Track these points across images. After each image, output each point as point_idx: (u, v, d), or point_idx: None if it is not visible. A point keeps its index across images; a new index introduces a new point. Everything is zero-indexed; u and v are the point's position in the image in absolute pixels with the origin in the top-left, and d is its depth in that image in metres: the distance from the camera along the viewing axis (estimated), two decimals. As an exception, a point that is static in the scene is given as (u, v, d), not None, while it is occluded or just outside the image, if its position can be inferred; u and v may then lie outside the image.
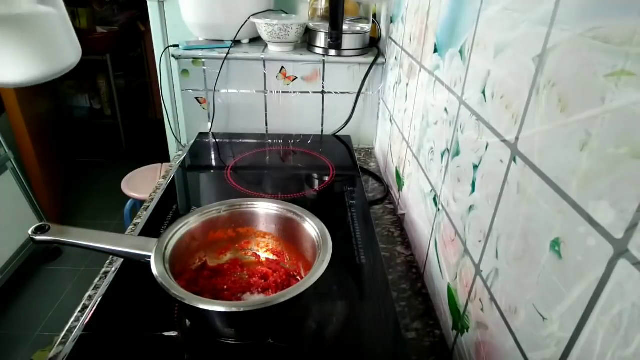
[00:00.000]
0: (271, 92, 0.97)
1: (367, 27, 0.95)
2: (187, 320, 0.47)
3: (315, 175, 0.83)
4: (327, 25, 0.90)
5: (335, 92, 0.97)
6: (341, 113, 0.99)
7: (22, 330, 1.51)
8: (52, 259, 1.87)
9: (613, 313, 0.24)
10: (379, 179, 0.89)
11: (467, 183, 0.46)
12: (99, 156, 2.70)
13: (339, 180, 0.79)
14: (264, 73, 0.94)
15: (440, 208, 0.55)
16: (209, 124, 1.00)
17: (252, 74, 0.94)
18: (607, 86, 0.25)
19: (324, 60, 0.93)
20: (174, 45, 0.96)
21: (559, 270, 0.29)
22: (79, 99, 2.67)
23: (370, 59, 0.93)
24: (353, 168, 0.84)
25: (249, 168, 0.84)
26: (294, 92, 0.97)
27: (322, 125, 1.01)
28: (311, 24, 0.95)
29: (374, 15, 0.98)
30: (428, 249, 0.60)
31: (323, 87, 0.96)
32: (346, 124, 0.99)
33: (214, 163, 0.88)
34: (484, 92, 0.42)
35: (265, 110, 0.99)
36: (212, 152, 0.93)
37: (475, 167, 0.44)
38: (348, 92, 0.97)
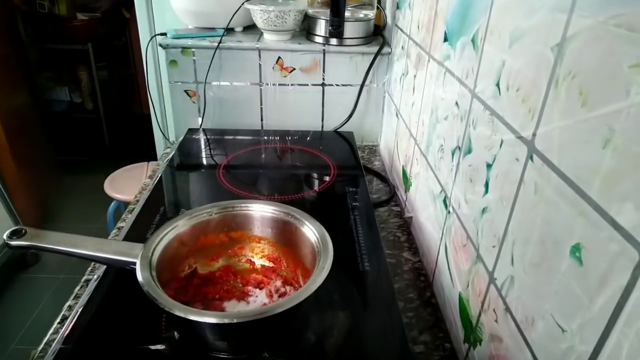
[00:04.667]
0: (267, 84, 0.97)
1: (371, 13, 0.95)
2: (175, 333, 0.47)
3: (315, 175, 0.83)
4: (327, 11, 0.90)
5: (337, 85, 0.97)
6: (343, 107, 0.99)
7: (-4, 343, 1.51)
8: (29, 265, 1.87)
9: (639, 325, 0.24)
10: (384, 178, 0.89)
11: (480, 183, 0.46)
12: (80, 154, 2.70)
13: (340, 180, 0.79)
14: (259, 64, 0.94)
15: (451, 210, 0.55)
16: (199, 119, 1.00)
17: (246, 64, 0.94)
18: (632, 78, 0.25)
19: (324, 50, 0.93)
20: (162, 34, 0.96)
21: (579, 278, 0.29)
22: (58, 92, 2.67)
23: (375, 49, 0.93)
24: (356, 167, 0.84)
25: (243, 167, 0.84)
26: (292, 85, 0.97)
27: (323, 120, 1.01)
28: (310, 11, 0.95)
29: (379, 1, 0.98)
30: (437, 255, 0.60)
31: (323, 79, 0.96)
32: (348, 119, 0.99)
33: (204, 162, 0.88)
34: (498, 85, 0.42)
35: (261, 105, 0.99)
36: (203, 150, 0.93)
37: (489, 166, 0.44)
38: (350, 85, 0.97)
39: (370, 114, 1.01)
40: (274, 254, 0.56)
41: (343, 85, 0.97)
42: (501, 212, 0.41)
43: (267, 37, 0.95)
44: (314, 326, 0.49)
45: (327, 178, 0.80)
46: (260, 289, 0.53)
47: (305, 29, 0.99)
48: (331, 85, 0.97)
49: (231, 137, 0.96)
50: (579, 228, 0.29)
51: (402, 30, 0.85)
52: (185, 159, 0.88)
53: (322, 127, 1.02)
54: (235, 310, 0.50)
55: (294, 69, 0.95)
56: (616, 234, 0.26)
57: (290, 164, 0.87)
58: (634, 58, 0.25)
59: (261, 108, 1.00)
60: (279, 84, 0.97)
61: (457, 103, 0.54)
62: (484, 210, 0.45)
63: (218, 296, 0.51)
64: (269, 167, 0.86)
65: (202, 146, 0.94)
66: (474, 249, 0.47)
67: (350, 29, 0.92)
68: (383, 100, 1.00)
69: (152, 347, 0.45)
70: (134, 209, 0.73)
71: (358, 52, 0.94)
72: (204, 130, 0.99)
